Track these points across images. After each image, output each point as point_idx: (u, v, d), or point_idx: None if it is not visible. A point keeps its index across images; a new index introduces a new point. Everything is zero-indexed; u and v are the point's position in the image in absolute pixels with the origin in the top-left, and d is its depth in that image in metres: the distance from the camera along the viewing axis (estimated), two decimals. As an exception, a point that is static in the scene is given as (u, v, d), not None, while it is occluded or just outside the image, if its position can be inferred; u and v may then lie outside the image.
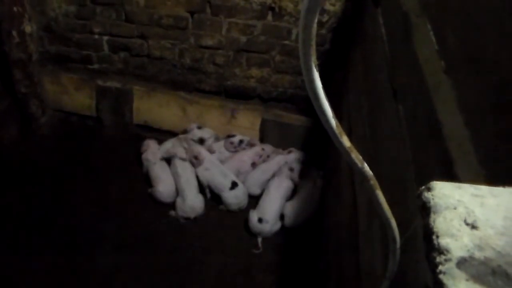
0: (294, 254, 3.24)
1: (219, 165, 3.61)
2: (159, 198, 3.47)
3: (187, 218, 3.39)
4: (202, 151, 3.62)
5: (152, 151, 3.67)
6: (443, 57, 1.40)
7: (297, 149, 3.78)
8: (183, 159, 3.57)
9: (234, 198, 3.47)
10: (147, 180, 3.59)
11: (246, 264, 3.16)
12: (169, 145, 3.74)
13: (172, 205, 3.45)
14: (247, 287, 3.04)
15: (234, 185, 3.47)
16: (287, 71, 3.65)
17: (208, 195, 3.56)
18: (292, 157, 3.70)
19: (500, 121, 1.01)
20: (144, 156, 3.67)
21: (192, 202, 3.40)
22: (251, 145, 3.78)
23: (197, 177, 3.55)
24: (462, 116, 1.18)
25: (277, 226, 3.36)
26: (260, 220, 3.28)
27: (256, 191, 3.58)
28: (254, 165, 3.66)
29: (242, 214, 3.43)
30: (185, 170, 3.54)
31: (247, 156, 3.68)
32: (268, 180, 3.58)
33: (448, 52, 1.38)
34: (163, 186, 3.47)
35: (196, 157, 3.57)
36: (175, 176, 3.53)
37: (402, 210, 1.34)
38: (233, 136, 3.79)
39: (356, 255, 2.02)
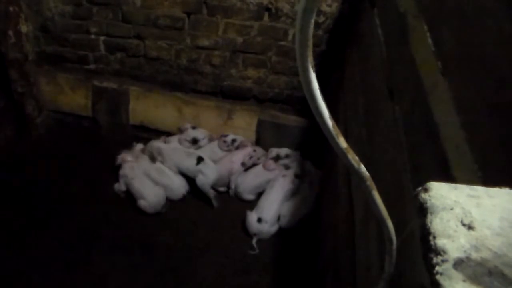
0: (290, 255, 3.24)
1: (181, 148, 3.65)
2: (145, 210, 3.41)
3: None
4: (160, 145, 3.66)
5: (129, 165, 3.60)
6: (439, 58, 1.40)
7: (293, 149, 3.78)
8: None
9: (201, 174, 3.48)
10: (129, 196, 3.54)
11: (243, 264, 3.16)
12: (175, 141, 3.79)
13: (159, 215, 3.46)
14: (244, 287, 3.04)
15: (199, 160, 3.50)
16: (283, 72, 3.65)
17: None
18: (272, 155, 3.70)
19: (497, 122, 1.01)
20: (121, 172, 3.57)
21: (177, 184, 3.53)
22: (242, 146, 3.77)
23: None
24: (458, 117, 1.18)
25: (274, 228, 3.36)
26: (259, 220, 3.28)
27: (248, 197, 3.59)
28: (243, 165, 3.65)
29: (239, 215, 3.43)
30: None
31: (237, 156, 3.68)
32: (261, 185, 3.58)
33: (445, 53, 1.38)
34: (147, 200, 3.41)
35: (158, 152, 3.60)
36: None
37: (399, 211, 1.35)
38: (226, 135, 3.79)
39: (352, 256, 2.02)
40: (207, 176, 3.48)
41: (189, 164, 3.52)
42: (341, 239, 2.43)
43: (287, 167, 3.64)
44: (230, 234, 3.36)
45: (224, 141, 3.76)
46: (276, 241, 3.34)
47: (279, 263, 3.20)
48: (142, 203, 3.40)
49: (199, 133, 3.80)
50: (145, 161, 3.64)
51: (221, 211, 3.51)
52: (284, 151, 3.72)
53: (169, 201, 3.53)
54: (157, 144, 3.68)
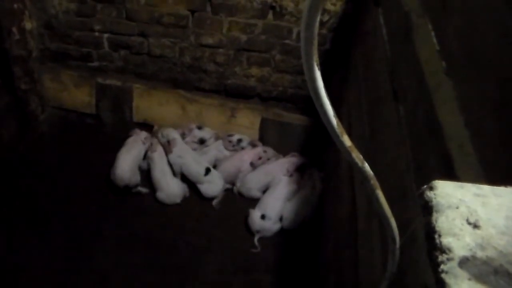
0: (293, 254, 3.24)
1: (192, 152, 3.65)
2: (114, 180, 3.48)
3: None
4: (177, 136, 3.66)
5: (137, 137, 3.72)
6: (444, 57, 1.40)
7: (297, 149, 3.78)
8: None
9: (209, 185, 3.51)
10: (147, 179, 3.60)
11: (245, 263, 3.16)
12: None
13: (125, 189, 3.49)
14: (246, 286, 3.04)
15: (208, 171, 3.51)
16: (287, 70, 3.65)
17: (179, 176, 3.60)
18: (295, 161, 3.69)
19: (501, 121, 1.01)
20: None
21: (172, 189, 3.49)
22: (252, 145, 3.77)
23: (170, 165, 3.60)
24: (462, 117, 1.18)
25: (277, 226, 3.36)
26: (263, 217, 3.28)
27: (256, 194, 3.57)
28: (252, 165, 3.65)
29: (241, 214, 3.43)
30: (161, 159, 3.59)
31: (247, 155, 3.68)
32: (269, 183, 3.58)
33: (449, 53, 1.38)
34: (118, 170, 3.46)
35: (169, 142, 3.60)
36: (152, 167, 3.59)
37: (402, 210, 1.34)
38: (232, 135, 3.79)
39: (355, 255, 2.02)
40: (217, 184, 3.52)
41: (195, 171, 3.53)
42: (344, 238, 2.43)
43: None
44: (232, 233, 3.36)
45: (230, 141, 3.76)
46: (279, 240, 3.34)
47: (282, 262, 3.20)
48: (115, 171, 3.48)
49: (206, 133, 3.81)
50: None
51: (224, 210, 3.51)
52: (307, 160, 3.74)
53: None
54: (174, 134, 3.69)
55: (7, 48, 3.56)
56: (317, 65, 0.66)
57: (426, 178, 1.26)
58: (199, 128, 3.82)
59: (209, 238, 3.29)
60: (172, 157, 3.58)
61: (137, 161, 3.61)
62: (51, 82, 3.97)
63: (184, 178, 3.60)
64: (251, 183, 3.57)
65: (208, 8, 3.44)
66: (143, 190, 3.55)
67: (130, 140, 3.69)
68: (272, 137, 3.86)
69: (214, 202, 3.53)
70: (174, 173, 3.58)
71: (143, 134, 3.78)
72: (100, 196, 3.50)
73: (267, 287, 3.06)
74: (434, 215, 0.62)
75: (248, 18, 3.43)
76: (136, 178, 3.53)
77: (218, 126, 3.89)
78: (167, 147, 3.60)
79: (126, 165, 3.48)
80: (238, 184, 3.61)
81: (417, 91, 1.57)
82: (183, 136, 3.79)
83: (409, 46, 1.73)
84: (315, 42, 0.64)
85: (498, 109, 1.03)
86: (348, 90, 3.11)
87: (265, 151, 3.72)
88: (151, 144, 3.69)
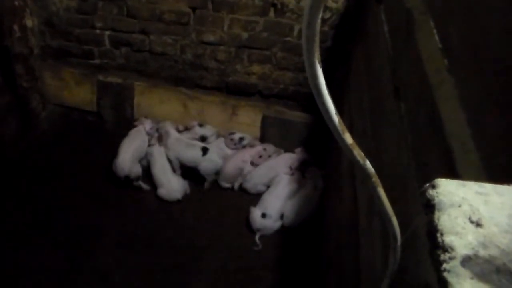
0: (294, 252, 3.24)
1: (185, 139, 3.67)
2: (114, 170, 3.49)
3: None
4: (171, 130, 3.70)
5: (141, 127, 3.74)
6: (446, 55, 1.39)
7: (298, 146, 3.77)
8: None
9: (209, 162, 3.56)
10: (148, 177, 3.60)
11: (246, 261, 3.16)
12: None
13: (126, 180, 3.49)
14: (247, 284, 3.04)
15: (205, 150, 3.55)
16: (288, 67, 3.64)
17: (179, 171, 3.63)
18: (299, 157, 3.69)
19: (503, 119, 1.00)
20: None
21: (173, 185, 3.50)
22: (250, 145, 3.77)
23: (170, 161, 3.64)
24: (464, 114, 1.17)
25: (278, 224, 3.36)
26: (263, 215, 3.28)
27: (261, 188, 3.58)
28: (252, 164, 3.65)
29: (242, 212, 3.43)
30: (160, 156, 3.62)
31: (248, 154, 3.67)
32: (273, 177, 3.58)
33: (452, 50, 1.37)
34: (119, 158, 3.48)
35: (161, 134, 3.65)
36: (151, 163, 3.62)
37: (403, 208, 1.34)
38: (233, 133, 3.79)
39: (356, 253, 2.02)
40: (215, 162, 3.57)
41: (191, 155, 3.56)
42: (345, 236, 2.42)
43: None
44: (233, 231, 3.36)
45: (231, 139, 3.75)
46: (280, 238, 3.34)
47: (283, 260, 3.20)
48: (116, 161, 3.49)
49: (207, 131, 3.81)
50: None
51: (224, 208, 3.51)
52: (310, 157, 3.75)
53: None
54: (168, 127, 3.72)
55: (8, 45, 3.56)
56: (318, 62, 0.65)
57: (428, 176, 1.25)
58: (201, 125, 3.82)
59: (210, 237, 3.29)
60: (167, 153, 3.61)
61: (139, 152, 3.63)
62: (52, 80, 3.97)
63: (184, 176, 3.61)
64: (256, 179, 3.57)
65: (210, 5, 3.44)
66: (144, 186, 3.55)
67: (133, 131, 3.71)
68: (273, 135, 3.85)
69: (206, 185, 3.59)
70: (174, 170, 3.58)
71: (148, 123, 3.79)
72: (101, 194, 3.50)
73: (268, 285, 3.06)
74: (436, 213, 0.61)
75: (249, 15, 3.42)
76: (137, 169, 3.55)
77: (219, 124, 3.89)
78: (161, 139, 3.63)
79: (127, 155, 3.50)
80: (241, 180, 3.62)
81: (419, 89, 1.56)
82: (178, 131, 3.82)
83: (411, 43, 1.73)
84: (317, 39, 0.64)
85: (500, 107, 1.03)
86: (349, 88, 3.10)
87: (264, 149, 3.71)
88: (151, 137, 3.70)
